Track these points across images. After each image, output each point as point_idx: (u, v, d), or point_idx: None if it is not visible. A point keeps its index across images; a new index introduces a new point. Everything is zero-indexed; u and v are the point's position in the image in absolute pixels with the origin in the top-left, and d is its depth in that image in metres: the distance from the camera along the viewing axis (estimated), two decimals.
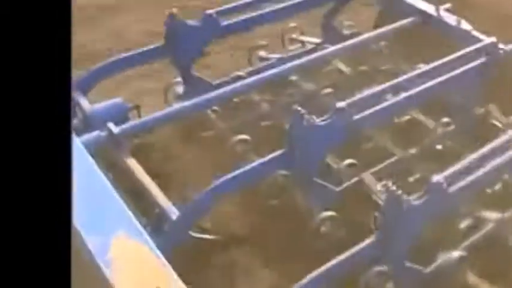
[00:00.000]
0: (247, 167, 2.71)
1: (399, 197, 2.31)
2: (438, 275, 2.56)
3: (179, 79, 3.50)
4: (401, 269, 2.48)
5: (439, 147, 3.24)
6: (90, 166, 2.48)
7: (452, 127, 3.24)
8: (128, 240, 2.09)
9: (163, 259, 2.04)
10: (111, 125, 2.95)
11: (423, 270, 2.53)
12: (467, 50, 3.25)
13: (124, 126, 3.01)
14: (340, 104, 2.73)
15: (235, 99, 3.47)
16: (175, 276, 1.97)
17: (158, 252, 2.06)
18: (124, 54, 3.40)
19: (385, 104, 2.97)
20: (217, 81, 3.55)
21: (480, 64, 3.20)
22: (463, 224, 2.79)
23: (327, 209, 2.74)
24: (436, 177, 2.43)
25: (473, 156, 2.65)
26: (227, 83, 3.47)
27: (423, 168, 3.04)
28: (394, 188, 2.34)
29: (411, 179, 3.02)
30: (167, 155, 3.33)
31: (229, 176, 2.67)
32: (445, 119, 3.24)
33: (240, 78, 3.49)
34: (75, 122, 3.08)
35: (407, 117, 3.35)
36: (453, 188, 2.50)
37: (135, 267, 2.00)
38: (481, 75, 3.23)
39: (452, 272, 2.57)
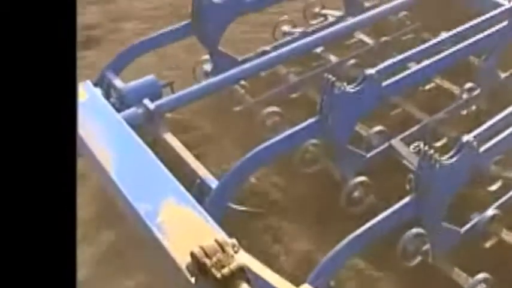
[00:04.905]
0: (281, 136, 2.78)
1: (432, 156, 2.37)
2: (474, 234, 2.61)
3: (207, 57, 3.58)
4: (438, 230, 2.53)
5: (464, 112, 3.29)
6: (134, 139, 2.59)
7: (477, 92, 3.28)
8: (177, 206, 2.19)
9: (213, 222, 2.13)
10: (147, 102, 3.04)
11: (459, 230, 2.58)
12: (489, 15, 3.32)
13: (159, 102, 3.10)
14: (370, 71, 2.81)
15: (262, 74, 3.55)
16: (226, 237, 2.04)
17: (208, 216, 2.15)
18: (153, 34, 3.48)
19: (411, 69, 3.04)
20: (244, 57, 3.62)
21: (502, 28, 3.25)
22: (494, 186, 2.84)
23: (358, 175, 2.81)
24: (467, 137, 2.49)
25: (501, 115, 2.71)
26: (253, 58, 3.54)
27: (450, 134, 3.08)
28: (426, 148, 2.41)
29: (439, 144, 3.07)
30: (200, 131, 3.40)
31: (264, 145, 2.73)
32: (469, 84, 3.29)
33: (265, 52, 3.57)
34: (111, 100, 3.16)
35: (431, 85, 3.41)
36: (483, 147, 2.57)
37: (185, 230, 2.10)
38: (504, 38, 3.28)
39: (487, 229, 2.63)
